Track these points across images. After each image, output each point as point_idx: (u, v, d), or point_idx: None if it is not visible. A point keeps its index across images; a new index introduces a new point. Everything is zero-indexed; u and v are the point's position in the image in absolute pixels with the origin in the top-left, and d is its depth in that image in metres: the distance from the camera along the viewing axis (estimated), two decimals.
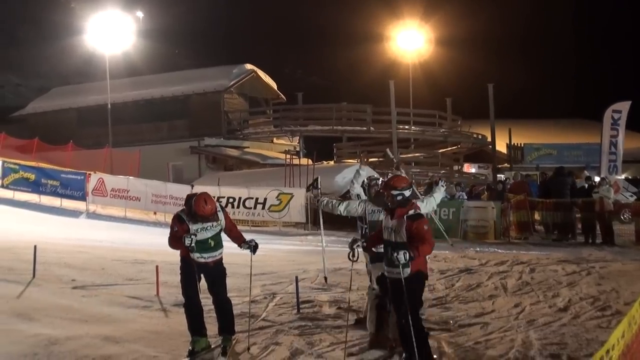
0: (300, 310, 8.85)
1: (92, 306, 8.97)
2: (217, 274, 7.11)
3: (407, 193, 6.38)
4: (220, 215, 7.12)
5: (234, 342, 7.16)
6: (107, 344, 7.11)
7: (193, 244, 6.84)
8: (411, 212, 6.28)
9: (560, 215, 17.94)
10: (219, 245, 7.14)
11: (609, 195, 17.12)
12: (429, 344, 6.43)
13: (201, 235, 6.97)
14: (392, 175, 6.67)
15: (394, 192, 6.31)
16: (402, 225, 6.18)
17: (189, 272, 7.03)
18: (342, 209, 7.75)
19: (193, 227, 6.95)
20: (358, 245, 6.64)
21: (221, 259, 7.19)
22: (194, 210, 6.90)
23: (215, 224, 7.07)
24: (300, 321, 8.33)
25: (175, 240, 7.03)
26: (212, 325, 7.22)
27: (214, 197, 7.38)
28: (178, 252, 7.10)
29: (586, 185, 18.87)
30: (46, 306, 8.63)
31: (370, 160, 29.62)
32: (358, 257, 6.71)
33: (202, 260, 7.03)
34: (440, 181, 8.03)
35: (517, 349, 6.91)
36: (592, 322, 8.05)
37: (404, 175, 8.10)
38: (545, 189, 18.62)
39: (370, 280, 7.74)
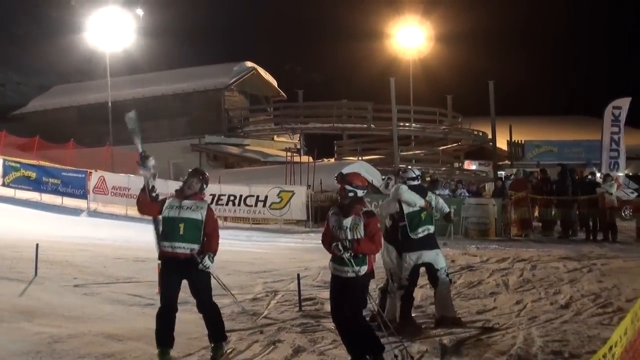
0: (302, 308, 8.84)
1: (94, 304, 8.96)
2: (194, 270, 6.35)
3: (360, 193, 6.36)
4: (204, 208, 6.47)
5: (227, 351, 6.76)
6: (109, 342, 7.11)
7: (163, 206, 6.42)
8: (365, 208, 6.33)
9: (561, 213, 17.93)
10: (192, 237, 6.33)
11: (611, 191, 17.13)
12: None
13: (171, 212, 6.40)
14: (352, 172, 6.64)
15: (348, 188, 6.32)
16: (361, 222, 6.20)
17: (164, 270, 6.57)
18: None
19: (168, 201, 6.55)
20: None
21: (196, 257, 6.33)
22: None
23: (193, 206, 6.42)
24: (303, 319, 8.32)
25: (142, 202, 6.60)
26: (202, 328, 6.93)
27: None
28: None
29: (589, 177, 18.88)
30: (48, 304, 8.63)
31: (371, 157, 29.72)
32: None
33: (169, 250, 6.37)
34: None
35: (519, 346, 6.92)
36: (593, 319, 8.06)
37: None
38: (549, 191, 18.57)
39: (391, 278, 7.91)
